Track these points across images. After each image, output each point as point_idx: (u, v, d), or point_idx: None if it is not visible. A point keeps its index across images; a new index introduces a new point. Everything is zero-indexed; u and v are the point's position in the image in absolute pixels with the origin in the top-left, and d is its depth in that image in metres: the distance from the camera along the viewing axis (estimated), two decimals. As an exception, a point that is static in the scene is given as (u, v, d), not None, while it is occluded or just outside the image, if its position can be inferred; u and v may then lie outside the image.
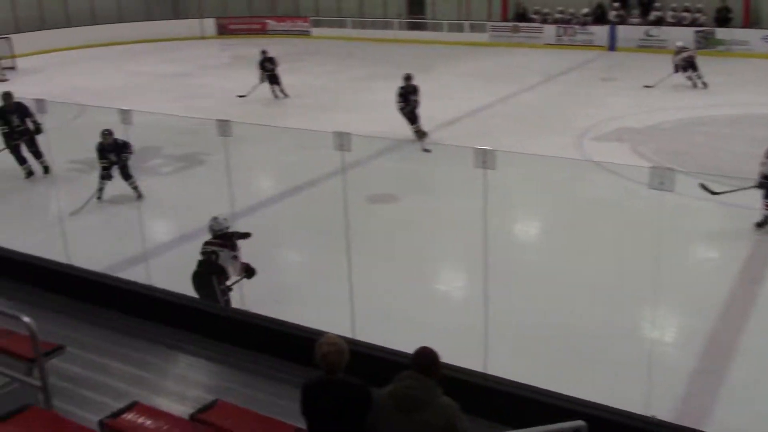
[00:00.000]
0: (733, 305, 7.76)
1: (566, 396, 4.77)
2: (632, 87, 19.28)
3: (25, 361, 4.83)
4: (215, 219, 7.63)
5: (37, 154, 12.37)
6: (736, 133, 14.68)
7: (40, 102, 7.30)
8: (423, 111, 14.19)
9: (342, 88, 20.45)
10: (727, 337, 7.14)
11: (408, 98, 13.95)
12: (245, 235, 7.78)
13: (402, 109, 14.00)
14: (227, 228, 7.62)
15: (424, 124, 14.17)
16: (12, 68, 24.38)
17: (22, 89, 16.50)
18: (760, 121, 15.40)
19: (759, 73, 20.78)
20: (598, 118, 15.71)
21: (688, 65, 18.58)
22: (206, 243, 7.51)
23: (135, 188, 11.00)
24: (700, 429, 5.03)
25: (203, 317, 6.47)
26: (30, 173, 12.49)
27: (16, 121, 12.10)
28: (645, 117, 15.76)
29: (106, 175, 11.04)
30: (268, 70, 18.75)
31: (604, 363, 6.64)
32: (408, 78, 14.05)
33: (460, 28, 28.67)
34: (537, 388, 4.93)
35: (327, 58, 25.99)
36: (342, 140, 5.83)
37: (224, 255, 7.38)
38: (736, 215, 10.46)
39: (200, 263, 7.43)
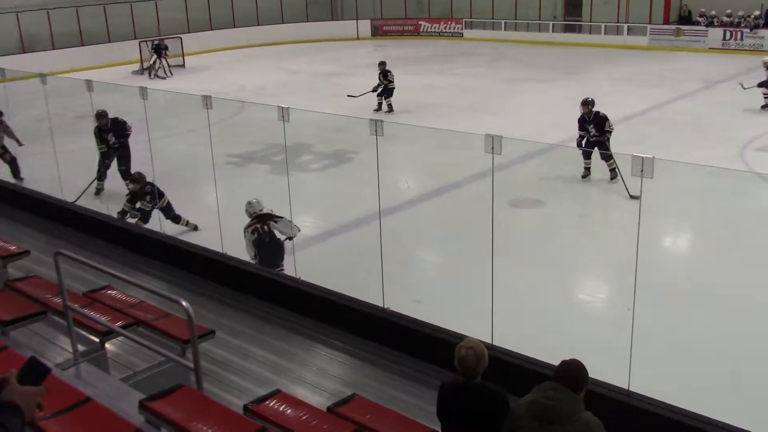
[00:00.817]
0: None
1: (710, 419, 4.50)
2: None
3: (180, 343, 5.12)
4: (249, 203, 8.43)
5: (126, 174, 11.54)
6: None
7: (206, 98, 7.73)
8: (570, 116, 13.78)
9: (491, 90, 20.30)
10: None
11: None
12: (276, 218, 8.27)
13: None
14: (261, 210, 8.34)
15: (569, 128, 13.74)
16: (182, 66, 26.10)
17: (190, 86, 17.58)
18: None
19: None
20: (764, 128, 14.69)
21: None
22: (246, 227, 8.21)
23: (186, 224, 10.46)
24: None
25: (343, 312, 6.63)
26: (100, 191, 11.95)
27: (112, 139, 11.72)
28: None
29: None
30: (390, 80, 18.01)
31: (754, 385, 6.21)
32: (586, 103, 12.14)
33: (618, 31, 27.70)
34: (684, 410, 4.69)
35: (477, 60, 25.89)
36: (493, 143, 5.80)
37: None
38: None
39: (258, 244, 8.08)
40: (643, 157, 5.04)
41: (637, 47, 26.46)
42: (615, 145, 12.54)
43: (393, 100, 17.98)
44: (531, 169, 12.78)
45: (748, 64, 22.51)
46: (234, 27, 30.78)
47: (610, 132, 11.70)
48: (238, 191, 11.27)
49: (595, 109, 11.92)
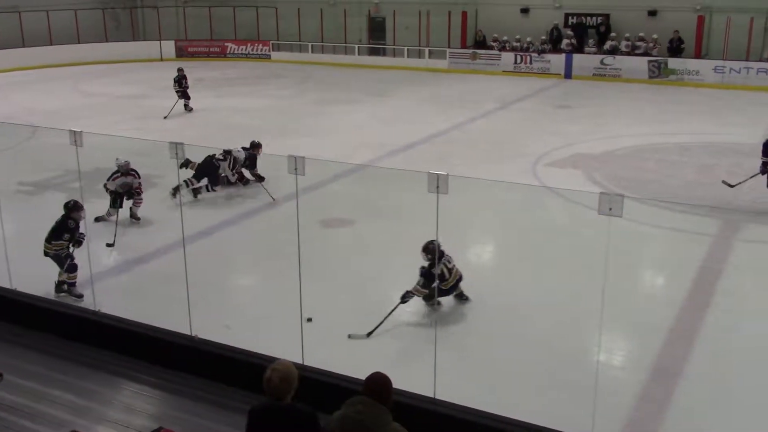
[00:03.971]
0: (679, 331, 7.88)
1: (513, 420, 4.78)
2: (587, 114, 19.63)
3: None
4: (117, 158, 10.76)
5: None
6: (686, 160, 15.01)
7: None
8: (377, 136, 14.20)
9: (301, 111, 20.46)
10: (673, 362, 7.24)
11: None
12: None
13: None
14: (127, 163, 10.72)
15: (378, 148, 14.19)
16: (-37, 88, 23.95)
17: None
18: (709, 149, 15.79)
19: (709, 103, 21.33)
20: (552, 144, 15.93)
21: None
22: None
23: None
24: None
25: (149, 343, 6.36)
26: None
27: None
28: (598, 144, 16.03)
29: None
30: (183, 86, 19.85)
31: (552, 386, 6.66)
32: None
33: (420, 54, 28.95)
34: (484, 412, 4.94)
35: (285, 82, 26.01)
36: (296, 164, 5.84)
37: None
38: (685, 240, 10.69)
39: None
40: (438, 174, 5.28)
41: (438, 70, 27.79)
42: (419, 163, 13.05)
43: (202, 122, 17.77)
44: (342, 188, 13.00)
45: (539, 85, 24.40)
46: (23, 46, 28.73)
47: None
48: (30, 221, 10.51)
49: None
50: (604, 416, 5.34)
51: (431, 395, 5.27)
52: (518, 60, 26.93)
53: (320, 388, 5.32)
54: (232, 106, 21.00)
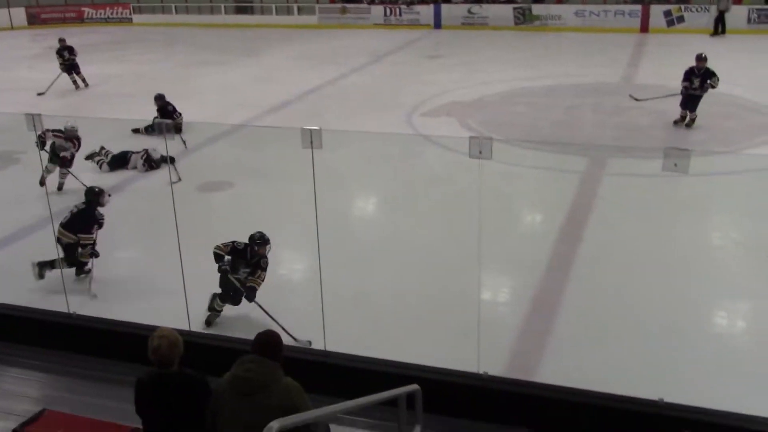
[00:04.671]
0: (555, 264, 8.27)
1: (400, 363, 4.91)
2: (458, 63, 19.97)
3: None
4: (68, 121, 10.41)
5: None
6: (552, 102, 15.59)
7: None
8: (251, 96, 13.89)
9: (168, 75, 19.75)
10: (551, 295, 7.61)
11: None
12: None
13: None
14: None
15: (252, 108, 13.93)
16: None
17: None
18: (573, 90, 16.46)
19: (572, 46, 22.17)
20: (426, 94, 16.15)
21: None
22: None
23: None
24: (529, 380, 5.35)
25: (26, 325, 6.08)
26: None
27: None
28: (470, 91, 16.38)
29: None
30: (67, 59, 17.80)
31: (438, 327, 6.86)
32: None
33: (288, 11, 28.48)
34: (373, 358, 5.04)
35: (150, 46, 24.99)
36: (164, 128, 5.66)
37: None
38: (556, 178, 11.16)
39: None
40: (311, 130, 5.25)
41: (308, 26, 27.46)
42: (295, 121, 12.93)
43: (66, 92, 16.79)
44: (218, 151, 12.73)
45: (409, 37, 24.56)
46: None
47: (713, 87, 12.71)
48: None
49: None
50: (489, 352, 5.57)
51: (322, 348, 5.33)
52: (388, 13, 26.98)
53: (208, 353, 5.27)
54: (97, 73, 19.98)
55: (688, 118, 12.95)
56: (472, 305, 6.25)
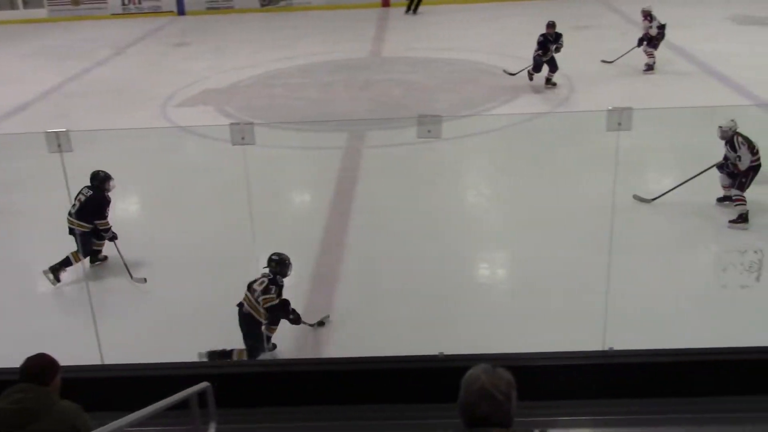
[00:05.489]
0: (329, 239, 8.46)
1: (188, 363, 4.77)
2: (207, 50, 19.49)
3: None
4: None
5: None
6: (308, 81, 15.79)
7: None
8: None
9: None
10: (330, 270, 7.79)
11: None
12: None
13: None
14: None
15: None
16: None
17: None
18: (326, 67, 16.77)
19: (319, 24, 22.50)
20: (178, 84, 15.61)
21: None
22: None
23: None
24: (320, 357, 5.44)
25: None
26: None
27: None
28: (224, 77, 16.09)
29: None
30: None
31: (225, 318, 6.76)
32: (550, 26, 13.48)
33: (12, 5, 26.04)
34: (154, 364, 4.84)
35: None
36: None
37: None
38: (320, 156, 11.37)
39: None
40: (58, 132, 4.87)
41: (37, 20, 25.28)
42: (39, 125, 11.92)
43: None
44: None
45: (152, 25, 23.51)
46: None
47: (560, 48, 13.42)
48: None
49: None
50: (281, 335, 5.60)
51: (99, 362, 5.03)
52: (126, 1, 25.63)
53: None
54: None
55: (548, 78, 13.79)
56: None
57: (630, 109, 4.75)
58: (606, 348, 4.77)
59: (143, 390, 4.82)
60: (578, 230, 7.98)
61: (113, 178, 7.84)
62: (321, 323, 6.61)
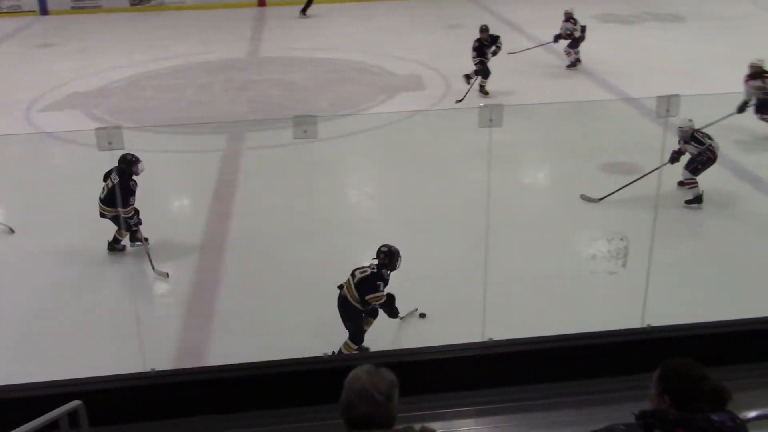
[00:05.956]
0: (210, 245, 8.28)
1: (57, 381, 4.50)
2: (73, 51, 18.59)
3: None
4: None
5: None
6: (182, 82, 15.35)
7: None
8: None
9: None
10: (210, 275, 7.61)
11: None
12: None
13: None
14: None
15: None
16: None
17: None
18: (202, 68, 16.35)
19: (193, 24, 21.91)
20: (43, 88, 14.80)
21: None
22: None
23: None
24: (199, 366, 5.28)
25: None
26: None
27: None
28: (93, 79, 15.38)
29: None
30: None
31: (101, 334, 6.49)
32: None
33: None
34: (24, 384, 4.55)
35: None
36: None
37: None
38: (198, 159, 11.09)
39: None
40: None
41: None
42: None
43: None
44: None
45: (12, 25, 22.15)
46: None
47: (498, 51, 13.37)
48: None
49: None
50: (156, 347, 5.40)
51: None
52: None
53: None
54: None
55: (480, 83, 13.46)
56: (129, 307, 5.99)
57: (501, 105, 4.87)
58: (486, 339, 4.88)
59: (11, 413, 4.54)
60: (457, 224, 8.13)
61: (141, 161, 7.76)
62: (422, 315, 6.69)
